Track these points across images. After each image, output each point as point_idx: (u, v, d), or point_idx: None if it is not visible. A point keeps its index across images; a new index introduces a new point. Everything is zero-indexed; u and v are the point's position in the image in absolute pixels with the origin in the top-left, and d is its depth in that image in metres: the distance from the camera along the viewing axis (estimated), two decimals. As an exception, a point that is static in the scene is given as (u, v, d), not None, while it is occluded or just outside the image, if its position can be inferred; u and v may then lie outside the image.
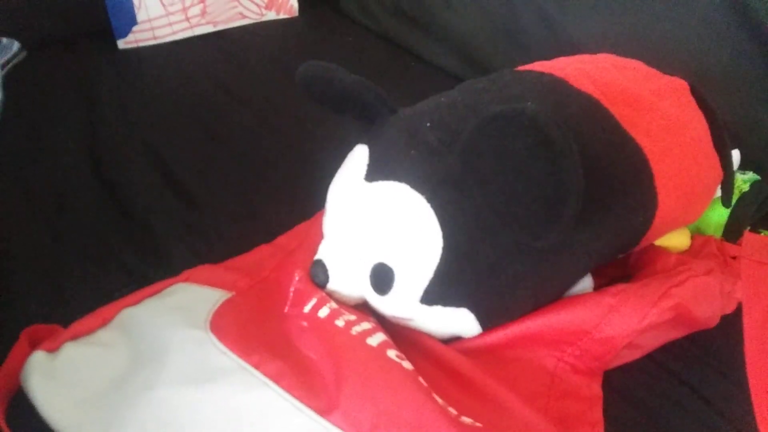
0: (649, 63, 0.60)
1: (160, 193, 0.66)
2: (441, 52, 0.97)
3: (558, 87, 0.51)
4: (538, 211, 0.40)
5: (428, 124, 0.47)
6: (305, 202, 0.63)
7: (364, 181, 0.47)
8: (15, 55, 0.98)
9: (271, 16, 1.11)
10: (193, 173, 0.69)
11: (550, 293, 0.48)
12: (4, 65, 0.91)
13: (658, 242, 0.56)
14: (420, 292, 0.45)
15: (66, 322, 0.52)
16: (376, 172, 0.47)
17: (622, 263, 0.57)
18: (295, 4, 1.11)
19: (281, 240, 0.59)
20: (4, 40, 0.96)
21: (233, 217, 0.63)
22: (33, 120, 0.81)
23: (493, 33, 0.91)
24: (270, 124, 0.80)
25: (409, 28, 1.02)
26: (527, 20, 0.87)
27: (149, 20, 1.00)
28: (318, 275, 0.48)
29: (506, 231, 0.43)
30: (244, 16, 1.09)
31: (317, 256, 0.49)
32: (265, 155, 0.73)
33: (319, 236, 0.54)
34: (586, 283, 0.51)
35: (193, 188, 0.67)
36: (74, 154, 0.74)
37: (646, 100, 0.52)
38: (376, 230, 0.46)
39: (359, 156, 0.49)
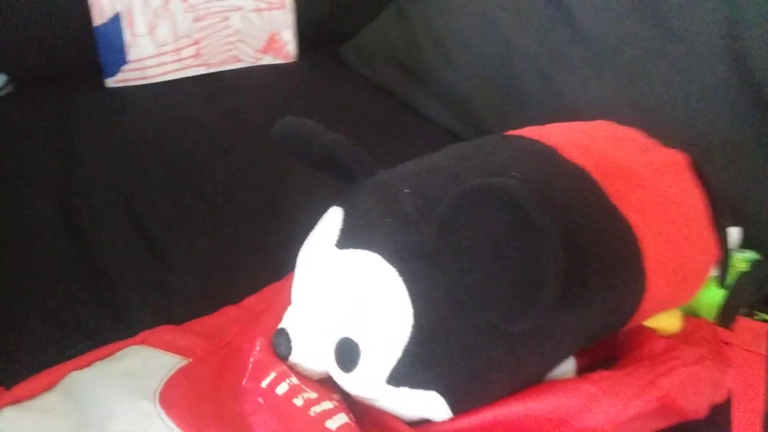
0: (649, 130, 0.59)
1: (129, 246, 0.65)
2: (438, 108, 0.96)
3: (547, 157, 0.50)
4: (514, 293, 0.38)
5: (407, 190, 0.45)
6: (278, 261, 0.62)
7: (335, 247, 0.46)
8: (1, 89, 0.99)
9: (267, 60, 1.11)
10: (165, 226, 0.68)
11: (528, 378, 0.46)
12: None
13: (647, 323, 0.54)
14: (387, 372, 0.43)
15: (11, 379, 0.51)
16: (348, 238, 0.45)
17: (607, 343, 0.55)
18: (293, 50, 1.12)
19: (248, 301, 0.58)
20: (-10, 73, 0.97)
21: (201, 275, 0.62)
22: (8, 158, 0.80)
23: (491, 92, 0.91)
24: (250, 176, 0.79)
25: (408, 81, 1.03)
26: (527, 80, 0.87)
27: (140, 59, 1.01)
28: (280, 346, 0.46)
29: (481, 312, 0.41)
30: (239, 59, 1.09)
31: (281, 325, 0.47)
32: (241, 210, 0.72)
33: (288, 300, 0.52)
34: (568, 366, 0.49)
35: (163, 242, 0.66)
36: (46, 197, 0.73)
37: (641, 175, 0.51)
38: (344, 302, 0.44)
39: (333, 219, 0.48)
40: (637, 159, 0.53)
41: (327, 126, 0.91)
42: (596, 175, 0.49)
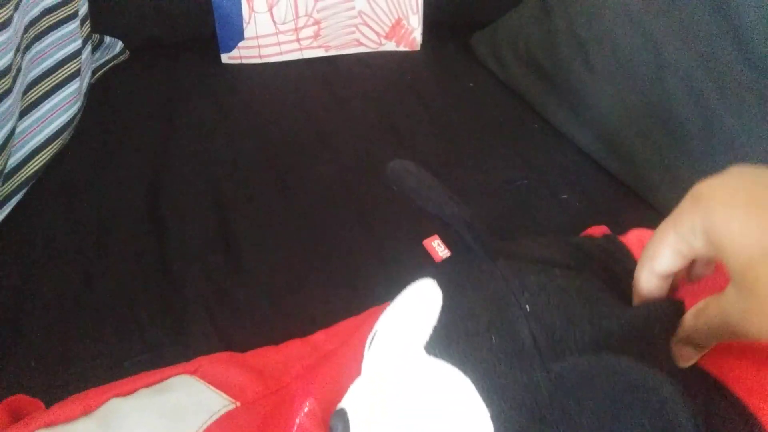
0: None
1: (206, 251, 0.62)
2: (572, 121, 0.86)
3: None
4: None
5: (527, 307, 0.37)
6: (360, 293, 0.56)
7: (423, 348, 0.37)
8: (116, 56, 0.99)
9: (390, 46, 1.05)
10: (248, 232, 0.64)
11: None
12: (96, 70, 0.92)
13: None
14: None
15: (60, 387, 0.49)
16: (440, 344, 0.37)
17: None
18: (419, 38, 1.05)
19: (318, 337, 0.53)
20: (108, 39, 0.97)
21: (275, 294, 0.58)
22: (108, 134, 0.80)
23: (637, 112, 0.79)
24: (350, 182, 0.73)
25: (541, 83, 0.93)
26: (680, 102, 0.76)
27: (257, 37, 0.98)
28: (336, 428, 0.40)
29: None
30: (361, 44, 1.04)
31: (341, 404, 0.41)
32: (331, 224, 0.67)
33: (363, 342, 0.47)
34: None
35: (243, 251, 0.62)
36: (135, 181, 0.71)
37: None
38: (418, 417, 0.36)
39: (427, 303, 0.39)
40: None
41: (443, 126, 0.86)
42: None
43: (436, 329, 0.37)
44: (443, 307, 0.39)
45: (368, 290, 0.56)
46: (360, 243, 0.62)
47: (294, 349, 0.52)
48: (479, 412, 0.33)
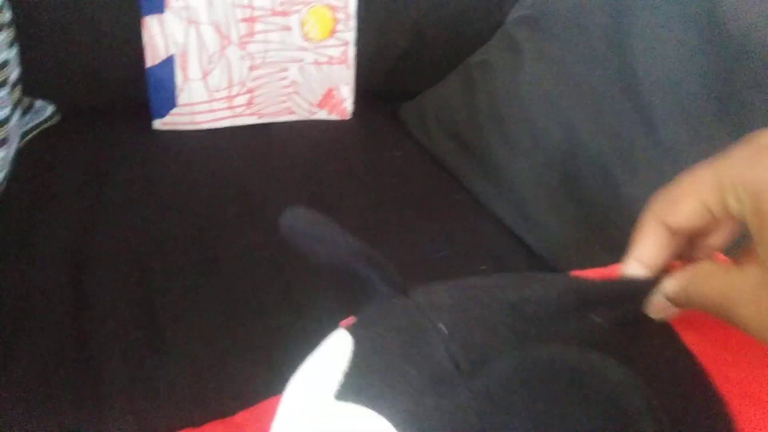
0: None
1: (129, 329, 0.62)
2: (491, 193, 0.90)
3: (643, 330, 0.36)
4: None
5: (442, 327, 0.34)
6: (285, 370, 0.57)
7: (333, 397, 0.34)
8: (47, 119, 0.98)
9: (321, 115, 1.08)
10: (172, 309, 0.65)
11: None
12: (26, 133, 0.91)
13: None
14: None
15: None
16: (352, 388, 0.34)
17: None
18: (349, 107, 1.08)
19: (239, 418, 0.53)
20: (39, 103, 0.96)
21: (196, 372, 0.58)
22: (34, 203, 0.79)
23: (552, 188, 0.84)
24: (277, 257, 0.74)
25: (463, 156, 0.97)
26: (590, 179, 0.81)
27: (190, 104, 0.99)
28: None
29: None
30: (293, 112, 1.06)
31: None
32: (256, 298, 0.68)
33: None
34: None
35: (165, 329, 0.62)
36: (58, 256, 0.70)
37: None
38: None
39: (337, 352, 0.37)
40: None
41: (369, 194, 0.88)
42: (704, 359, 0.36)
43: (346, 375, 0.34)
44: (355, 350, 0.35)
45: (292, 368, 0.57)
46: (284, 319, 0.64)
47: (215, 430, 0.52)
48: None
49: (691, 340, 0.36)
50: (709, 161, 0.30)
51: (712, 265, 0.31)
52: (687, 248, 0.35)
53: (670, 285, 0.32)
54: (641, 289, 0.35)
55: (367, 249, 0.39)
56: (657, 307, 0.33)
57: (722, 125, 0.75)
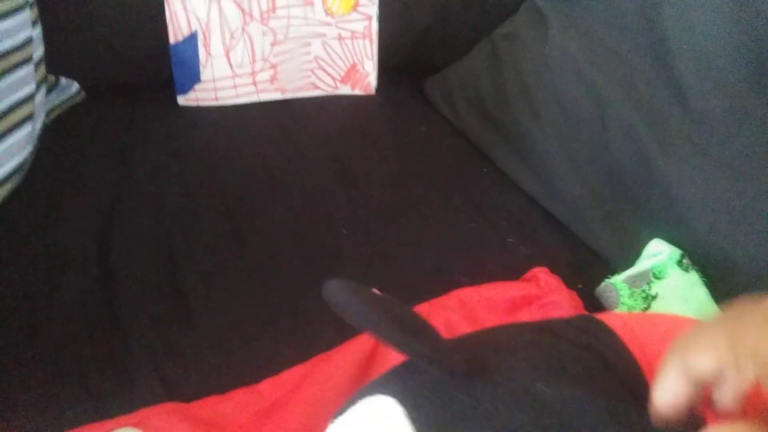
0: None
1: (154, 299, 0.62)
2: (519, 166, 0.89)
3: None
4: None
5: None
6: (306, 341, 0.57)
7: None
8: (72, 97, 0.99)
9: (345, 90, 1.07)
10: (197, 280, 0.65)
11: None
12: (51, 111, 0.91)
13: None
14: None
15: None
16: None
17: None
18: (373, 82, 1.07)
19: (264, 386, 0.53)
20: (63, 80, 0.97)
21: (221, 343, 0.58)
22: (60, 178, 0.80)
23: (581, 160, 0.82)
24: (300, 228, 0.74)
25: (489, 129, 0.96)
26: (621, 152, 0.79)
27: (213, 80, 0.99)
28: None
29: None
30: (316, 87, 1.05)
31: None
32: (280, 271, 0.67)
33: (311, 390, 0.47)
34: None
35: (191, 299, 0.62)
36: (86, 225, 0.71)
37: None
38: None
39: (384, 423, 0.36)
40: None
41: (394, 168, 0.87)
42: None
43: None
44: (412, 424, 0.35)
45: (314, 338, 0.57)
46: (307, 291, 0.63)
47: (240, 398, 0.52)
48: None
49: None
50: (723, 318, 0.32)
51: (751, 427, 0.30)
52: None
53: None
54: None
55: (420, 341, 0.35)
56: None
57: (756, 97, 0.73)
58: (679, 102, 0.78)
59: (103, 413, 0.50)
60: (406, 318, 0.36)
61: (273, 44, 0.99)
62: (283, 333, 0.59)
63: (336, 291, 0.37)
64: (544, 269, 0.66)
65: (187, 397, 0.52)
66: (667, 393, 0.33)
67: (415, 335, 0.35)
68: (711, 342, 0.32)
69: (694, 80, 0.78)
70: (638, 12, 0.85)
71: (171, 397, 0.52)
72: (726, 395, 0.34)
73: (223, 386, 0.53)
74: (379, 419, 0.36)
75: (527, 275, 0.67)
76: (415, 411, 0.35)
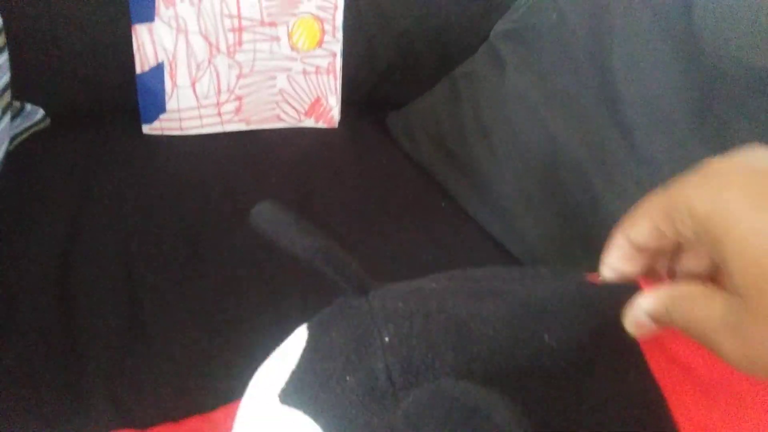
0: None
1: (114, 326, 0.63)
2: (477, 203, 0.92)
3: (602, 352, 0.34)
4: None
5: (386, 338, 0.33)
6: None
7: (277, 397, 0.35)
8: (37, 123, 0.99)
9: (309, 123, 1.09)
10: (158, 308, 0.66)
11: None
12: (16, 137, 0.92)
13: None
14: None
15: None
16: (294, 391, 0.34)
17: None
18: (336, 116, 1.10)
19: (218, 414, 0.54)
20: (29, 106, 0.97)
21: (178, 369, 0.59)
22: (22, 203, 0.80)
23: (534, 196, 0.85)
24: (263, 258, 0.75)
25: (449, 164, 0.99)
26: (572, 190, 0.82)
27: (179, 110, 1.00)
28: None
29: None
30: (281, 119, 1.08)
31: None
32: (242, 300, 0.69)
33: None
34: None
35: (151, 327, 0.63)
36: (47, 250, 0.72)
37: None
38: None
39: (292, 349, 0.38)
40: None
41: (355, 200, 0.89)
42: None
43: (292, 374, 0.35)
44: (305, 349, 0.36)
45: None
46: (265, 319, 0.64)
47: (193, 425, 0.53)
48: None
49: (658, 364, 0.34)
50: (667, 184, 0.31)
51: (694, 288, 0.30)
52: (668, 267, 0.35)
53: (648, 300, 0.31)
54: (617, 295, 0.34)
55: (328, 246, 0.38)
56: (635, 321, 0.32)
57: (699, 139, 0.77)
58: (627, 143, 0.82)
59: (56, 439, 0.51)
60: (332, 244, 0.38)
61: (239, 77, 1.01)
62: (239, 358, 0.60)
63: (260, 210, 0.41)
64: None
65: (142, 424, 0.53)
66: (612, 261, 0.34)
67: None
68: (648, 207, 0.31)
69: (640, 122, 0.82)
70: (588, 56, 0.89)
71: (125, 423, 0.53)
72: (690, 264, 0.33)
73: (177, 413, 0.54)
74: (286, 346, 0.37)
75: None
76: (313, 339, 0.37)
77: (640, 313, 0.31)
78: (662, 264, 0.35)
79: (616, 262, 0.34)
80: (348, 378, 0.33)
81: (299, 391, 0.34)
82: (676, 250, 0.34)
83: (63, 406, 0.54)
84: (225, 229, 0.80)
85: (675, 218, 0.29)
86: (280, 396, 0.35)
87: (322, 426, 0.32)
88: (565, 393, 0.32)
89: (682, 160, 0.77)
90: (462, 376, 0.31)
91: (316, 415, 0.32)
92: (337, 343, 0.35)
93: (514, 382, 0.31)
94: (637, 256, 0.33)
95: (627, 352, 0.34)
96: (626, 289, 0.34)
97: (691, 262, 0.34)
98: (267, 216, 0.41)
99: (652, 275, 0.35)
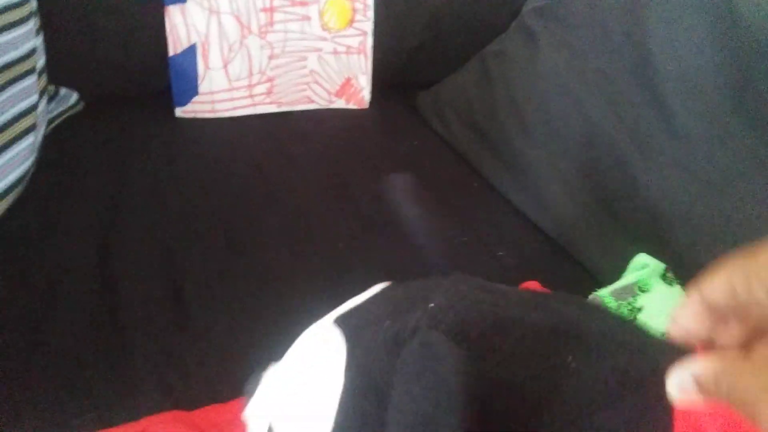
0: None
1: (155, 310, 0.63)
2: (508, 181, 0.91)
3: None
4: None
5: (431, 305, 0.38)
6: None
7: (333, 318, 0.43)
8: (71, 107, 1.00)
9: (339, 104, 1.09)
10: (197, 290, 0.66)
11: None
12: (51, 121, 0.92)
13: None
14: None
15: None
16: (346, 316, 0.42)
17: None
18: (367, 96, 1.09)
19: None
20: (63, 90, 0.98)
21: (222, 351, 0.59)
22: (61, 188, 0.81)
23: (569, 175, 0.84)
24: (298, 237, 0.76)
25: (480, 144, 0.98)
26: (606, 166, 0.81)
27: (211, 93, 1.00)
28: None
29: None
30: (311, 101, 1.07)
31: None
32: (280, 280, 0.69)
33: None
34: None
35: (192, 309, 0.64)
36: (85, 237, 0.72)
37: None
38: (293, 361, 0.43)
39: (369, 293, 0.46)
40: None
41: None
42: None
43: (354, 308, 0.43)
44: (375, 295, 0.44)
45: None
46: (303, 299, 0.65)
47: (241, 407, 0.53)
48: (337, 371, 0.37)
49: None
50: (740, 255, 0.31)
51: (744, 359, 0.29)
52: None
53: (700, 365, 0.30)
54: (670, 351, 0.34)
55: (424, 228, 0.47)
56: (680, 384, 0.31)
57: (737, 115, 0.76)
58: (663, 121, 0.81)
59: (107, 422, 0.51)
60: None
61: (270, 58, 1.01)
62: (281, 341, 0.61)
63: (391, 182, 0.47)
64: (535, 283, 0.68)
65: (190, 405, 0.53)
66: (682, 317, 0.33)
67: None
68: (727, 265, 0.31)
69: (677, 100, 0.80)
70: (624, 33, 0.88)
71: (173, 405, 0.53)
72: (735, 328, 0.32)
73: (223, 395, 0.54)
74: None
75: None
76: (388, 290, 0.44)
77: (687, 377, 0.30)
78: (718, 335, 0.34)
79: (684, 318, 0.33)
80: (387, 323, 0.38)
81: (349, 317, 0.41)
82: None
83: (112, 389, 0.54)
84: (258, 212, 0.80)
85: (752, 277, 0.30)
86: (336, 319, 0.42)
87: (348, 350, 0.38)
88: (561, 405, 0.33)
89: (720, 138, 0.76)
90: (470, 361, 0.33)
91: (349, 338, 0.39)
92: (398, 297, 0.42)
93: (517, 382, 0.34)
94: (706, 316, 0.32)
95: (659, 410, 0.34)
96: (681, 349, 0.33)
97: (732, 331, 0.33)
98: (392, 187, 0.50)
99: (708, 345, 0.34)
